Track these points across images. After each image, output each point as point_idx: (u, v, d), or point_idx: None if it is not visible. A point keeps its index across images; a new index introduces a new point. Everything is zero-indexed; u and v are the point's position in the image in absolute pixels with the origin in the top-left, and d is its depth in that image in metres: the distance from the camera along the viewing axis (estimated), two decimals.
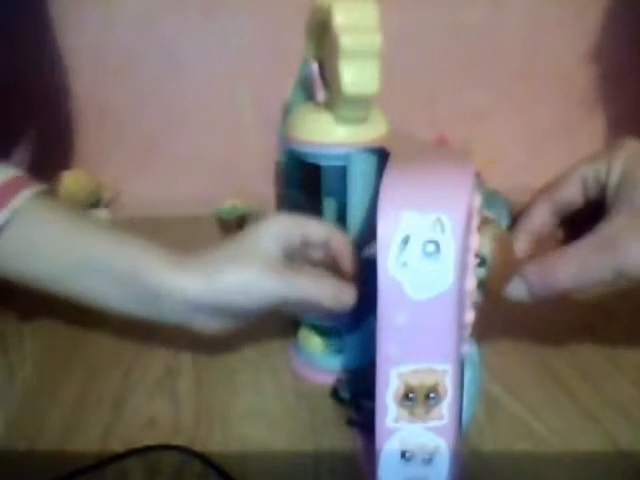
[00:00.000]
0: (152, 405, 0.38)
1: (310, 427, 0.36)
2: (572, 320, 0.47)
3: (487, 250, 0.31)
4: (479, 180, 0.29)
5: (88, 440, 0.35)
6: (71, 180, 0.70)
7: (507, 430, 0.36)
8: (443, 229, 0.26)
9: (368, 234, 0.35)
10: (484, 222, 0.31)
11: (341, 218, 0.40)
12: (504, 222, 0.36)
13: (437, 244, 0.26)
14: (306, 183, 0.54)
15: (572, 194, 0.36)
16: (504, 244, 0.32)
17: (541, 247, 0.37)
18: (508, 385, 0.40)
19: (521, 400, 0.38)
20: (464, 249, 0.27)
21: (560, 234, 0.38)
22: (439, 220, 0.26)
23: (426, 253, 0.26)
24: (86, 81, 0.74)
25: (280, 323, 0.47)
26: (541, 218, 0.37)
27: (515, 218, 0.37)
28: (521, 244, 0.36)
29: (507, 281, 0.33)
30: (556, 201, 0.37)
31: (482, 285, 0.31)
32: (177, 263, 0.35)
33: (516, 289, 0.34)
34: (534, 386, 0.40)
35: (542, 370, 0.41)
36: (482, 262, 0.31)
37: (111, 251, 0.35)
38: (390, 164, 0.29)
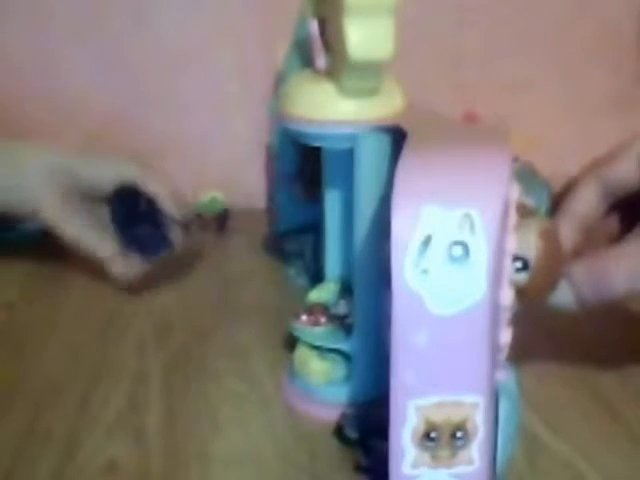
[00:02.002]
0: (112, 445, 0.38)
1: (309, 474, 0.36)
2: (630, 339, 0.47)
3: (532, 251, 0.31)
4: (516, 165, 0.29)
5: None
6: None
7: (552, 476, 0.36)
8: (473, 228, 0.26)
9: (380, 233, 0.35)
10: (526, 214, 0.31)
11: (346, 213, 0.40)
12: (543, 210, 0.36)
13: (466, 246, 0.26)
14: (303, 170, 0.54)
15: (626, 173, 0.36)
16: (552, 242, 0.32)
17: (589, 240, 0.37)
18: (553, 421, 0.40)
19: (569, 439, 0.38)
20: (499, 252, 0.26)
21: (614, 225, 0.38)
22: (468, 217, 0.26)
23: (452, 257, 0.26)
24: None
25: (272, 345, 0.47)
26: (588, 203, 0.37)
27: (557, 204, 0.37)
28: (564, 236, 0.36)
29: (552, 286, 0.33)
30: (606, 182, 0.36)
31: (522, 293, 0.31)
32: None
33: (562, 296, 0.33)
34: (584, 422, 0.40)
35: (594, 402, 0.41)
36: (524, 266, 0.31)
37: None
38: (407, 147, 0.29)
